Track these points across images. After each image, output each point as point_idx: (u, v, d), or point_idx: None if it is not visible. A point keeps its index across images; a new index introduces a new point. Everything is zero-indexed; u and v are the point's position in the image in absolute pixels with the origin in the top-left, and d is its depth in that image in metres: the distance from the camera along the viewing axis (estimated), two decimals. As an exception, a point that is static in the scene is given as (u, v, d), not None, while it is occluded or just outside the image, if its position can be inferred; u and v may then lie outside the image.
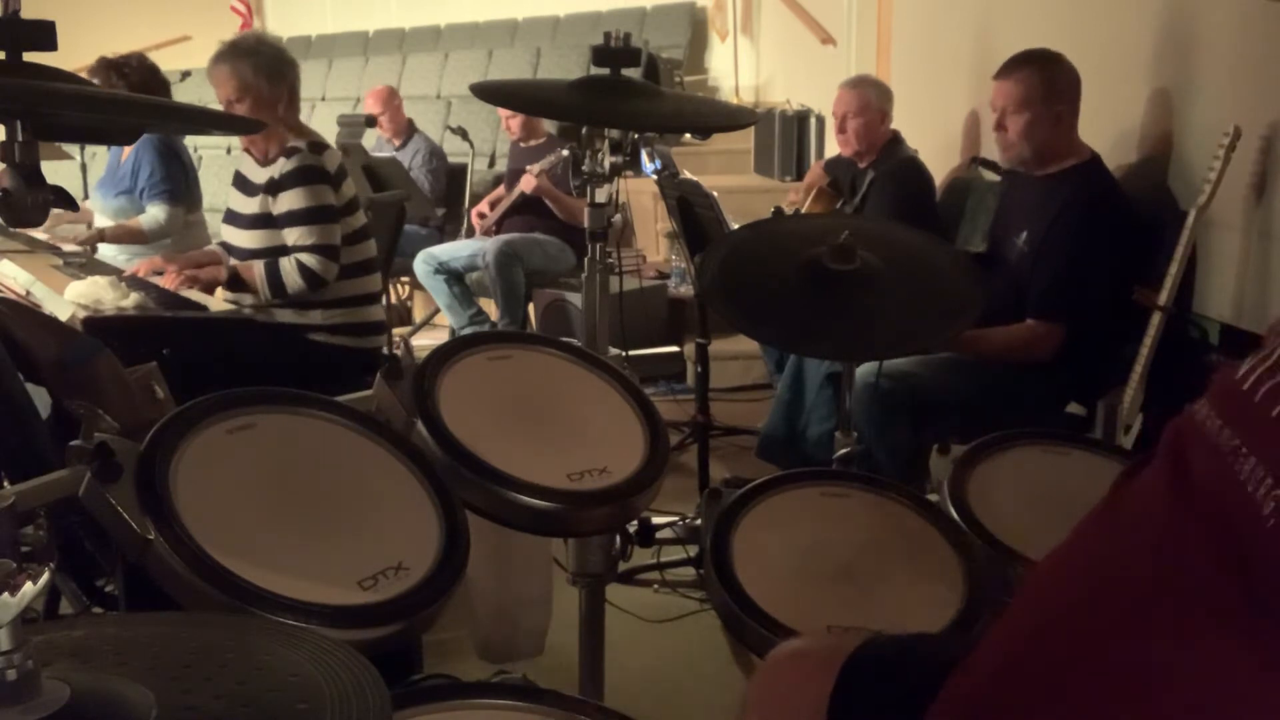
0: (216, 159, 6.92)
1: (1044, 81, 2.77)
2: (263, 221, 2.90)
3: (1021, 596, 0.87)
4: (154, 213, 3.80)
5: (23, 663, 0.66)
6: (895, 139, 3.82)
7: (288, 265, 2.85)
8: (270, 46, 2.98)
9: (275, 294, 2.86)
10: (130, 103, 1.81)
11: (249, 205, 2.95)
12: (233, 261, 3.04)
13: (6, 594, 0.65)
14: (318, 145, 2.92)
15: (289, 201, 2.85)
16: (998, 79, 2.85)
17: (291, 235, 2.86)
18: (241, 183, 3.02)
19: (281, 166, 2.86)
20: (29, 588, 0.65)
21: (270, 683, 0.75)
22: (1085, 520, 0.84)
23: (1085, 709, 0.73)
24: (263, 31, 3.22)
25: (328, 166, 2.90)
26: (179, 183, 3.86)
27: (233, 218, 3.03)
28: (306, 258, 2.84)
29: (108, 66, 3.71)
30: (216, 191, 5.21)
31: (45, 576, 0.66)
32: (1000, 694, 0.80)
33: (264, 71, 2.89)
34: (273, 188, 2.87)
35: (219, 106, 2.96)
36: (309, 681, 0.74)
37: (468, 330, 5.04)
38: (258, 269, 2.88)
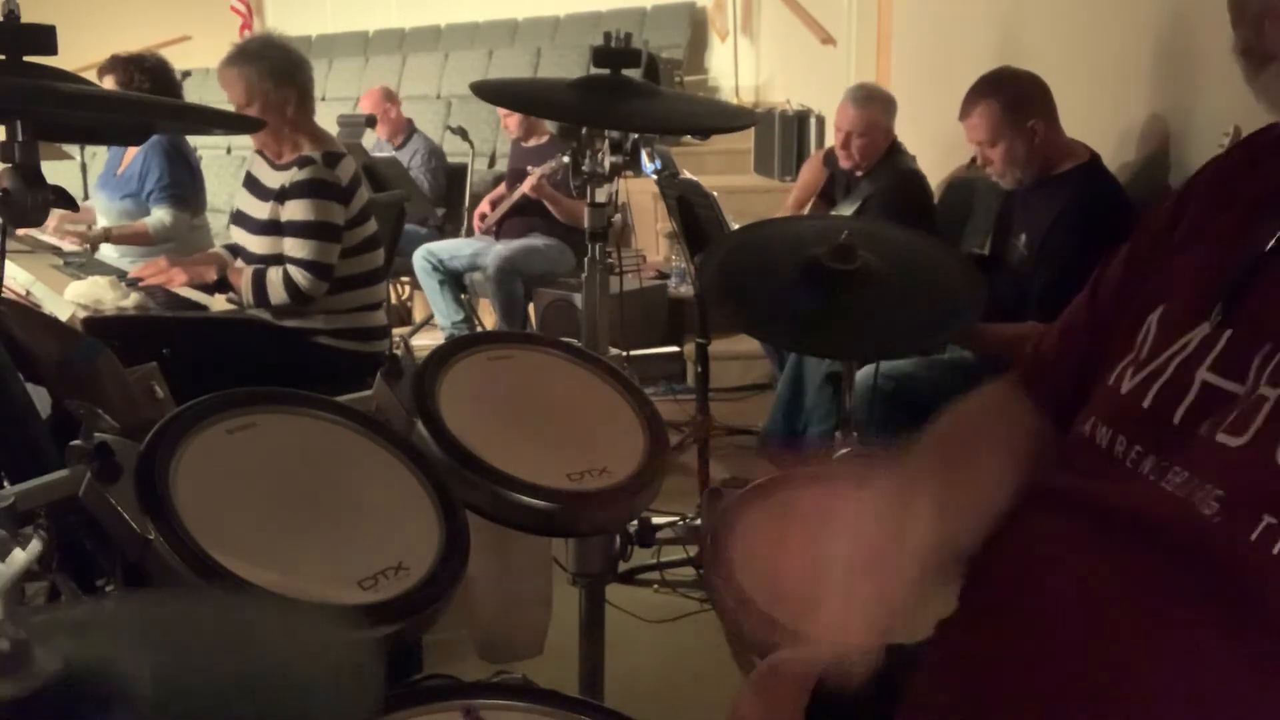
0: (217, 159, 6.92)
1: (1004, 107, 2.78)
2: (273, 228, 2.89)
3: (973, 605, 0.88)
4: (159, 215, 3.79)
5: (14, 632, 0.66)
6: (894, 147, 3.78)
7: (274, 276, 2.82)
8: (277, 49, 2.97)
9: (258, 302, 2.85)
10: (137, 103, 1.81)
11: (260, 210, 2.93)
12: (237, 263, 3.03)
13: None
14: (332, 156, 2.89)
15: (294, 211, 2.84)
16: (962, 119, 2.86)
17: (288, 245, 2.85)
18: (252, 184, 3.01)
19: (293, 175, 2.84)
20: (18, 554, 0.65)
21: (264, 656, 0.75)
22: (1018, 530, 0.86)
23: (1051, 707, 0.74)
24: (271, 32, 3.19)
25: (341, 180, 2.87)
26: (185, 186, 3.85)
27: (243, 220, 3.01)
28: (296, 272, 2.82)
29: (127, 63, 3.71)
30: (217, 192, 5.21)
31: (37, 545, 0.66)
32: (966, 694, 0.80)
33: (270, 74, 2.87)
34: (282, 196, 2.86)
35: (224, 107, 2.95)
36: (302, 655, 0.74)
37: (452, 330, 5.04)
38: (245, 274, 2.86)
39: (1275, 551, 0.66)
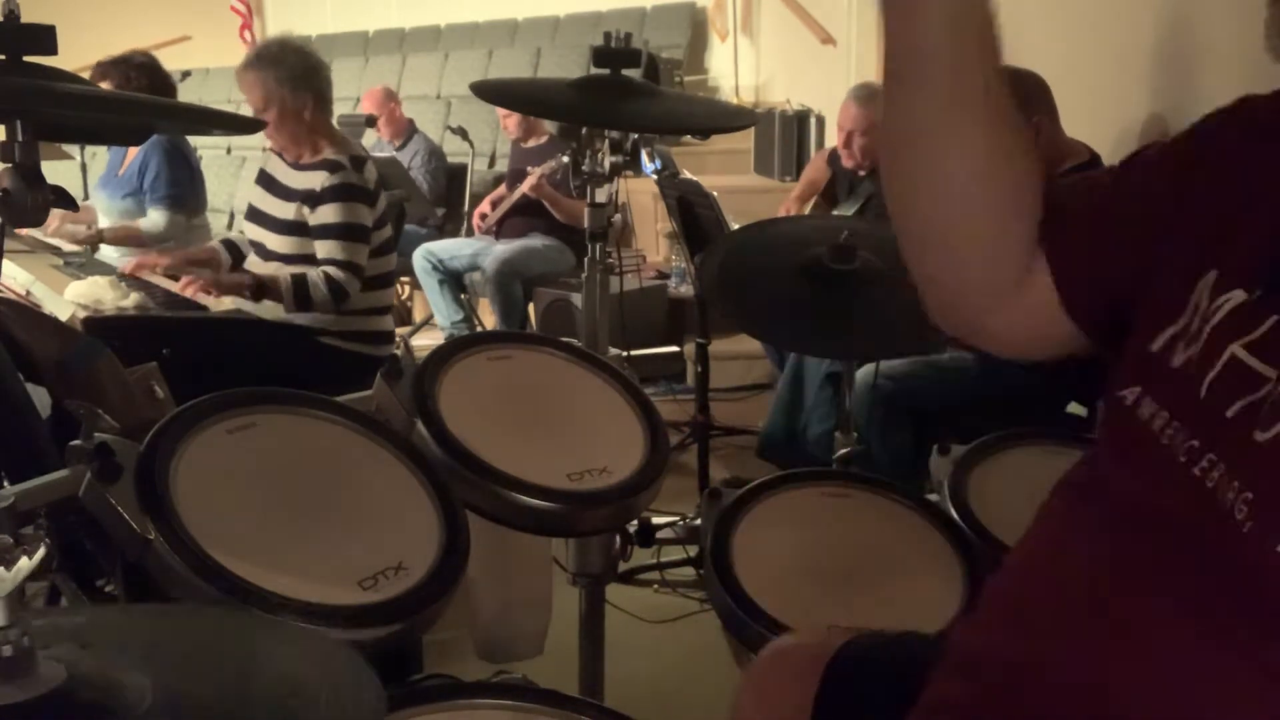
0: (217, 159, 6.92)
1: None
2: (299, 229, 2.90)
3: (990, 595, 0.88)
4: (154, 217, 3.80)
5: (18, 639, 0.66)
6: None
7: (315, 277, 2.84)
8: (294, 53, 2.99)
9: (300, 307, 2.86)
10: (137, 103, 1.81)
11: (283, 210, 2.94)
12: (254, 271, 3.01)
13: (1, 568, 0.64)
14: (358, 160, 2.92)
15: (326, 215, 2.86)
16: None
17: (322, 248, 2.86)
18: (269, 182, 3.01)
19: (324, 180, 2.86)
20: (24, 562, 0.65)
21: (265, 676, 0.75)
22: (1042, 520, 0.85)
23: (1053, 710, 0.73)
24: (289, 35, 3.20)
25: (369, 184, 2.91)
26: (183, 188, 3.85)
27: (260, 217, 3.02)
28: (335, 272, 2.84)
29: (120, 64, 3.71)
30: (217, 192, 5.22)
31: (41, 551, 0.66)
32: (976, 694, 0.80)
33: (287, 81, 2.90)
34: (312, 200, 2.87)
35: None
36: (304, 677, 0.74)
37: (452, 330, 5.05)
38: (284, 282, 2.87)
39: None
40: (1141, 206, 0.86)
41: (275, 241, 2.95)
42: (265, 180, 3.03)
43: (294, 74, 2.91)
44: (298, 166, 2.95)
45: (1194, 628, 0.69)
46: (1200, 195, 0.82)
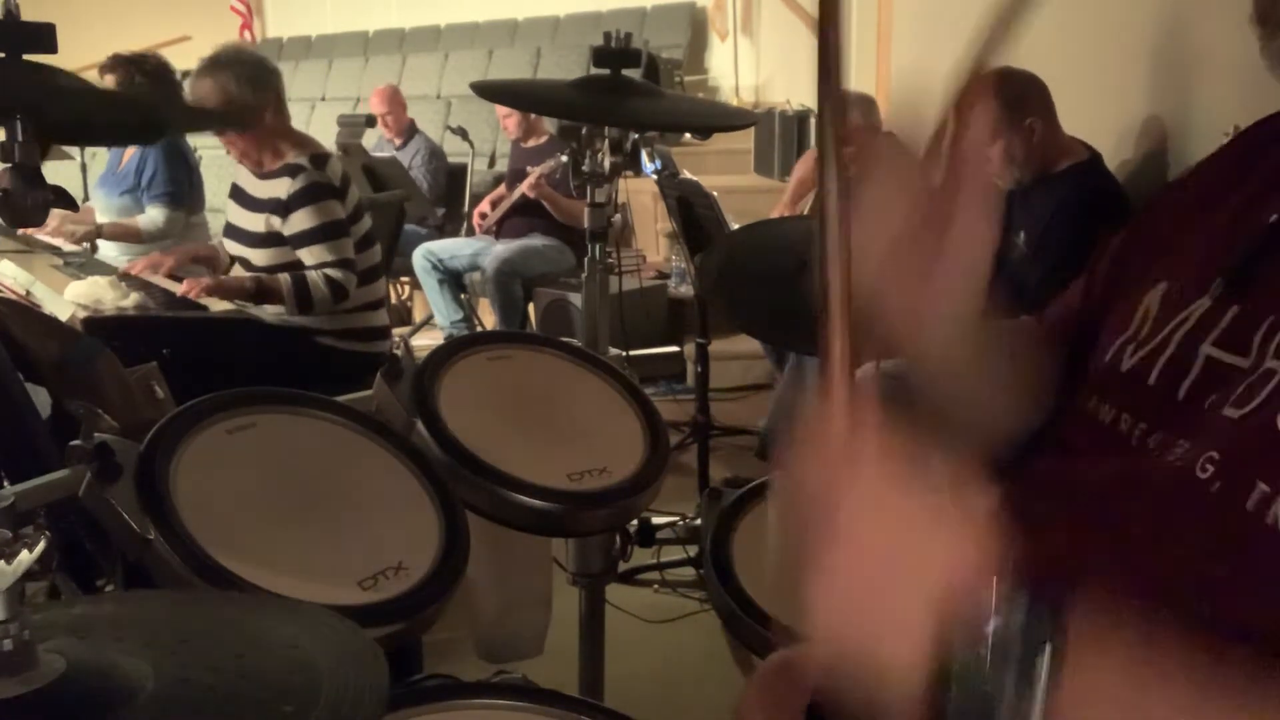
0: (217, 159, 6.89)
1: (1001, 106, 2.78)
2: (273, 240, 2.90)
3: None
4: (153, 215, 3.80)
5: (18, 633, 0.66)
6: None
7: (315, 278, 2.84)
8: (250, 56, 2.98)
9: (302, 308, 2.85)
10: (134, 103, 1.81)
11: (253, 222, 2.93)
12: (252, 274, 3.01)
13: (1, 561, 0.65)
14: (319, 158, 2.91)
15: (300, 222, 2.85)
16: None
17: (309, 255, 2.86)
18: (239, 195, 3.01)
19: (288, 186, 2.85)
20: (25, 556, 0.65)
21: (267, 655, 0.75)
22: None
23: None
24: (240, 42, 3.22)
25: (333, 180, 2.89)
26: (181, 185, 3.85)
27: (235, 233, 3.01)
28: (332, 272, 2.84)
29: (128, 63, 3.71)
30: (217, 191, 5.21)
31: (41, 545, 0.66)
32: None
33: (247, 82, 2.89)
34: (281, 209, 2.86)
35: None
36: (305, 654, 0.74)
37: (452, 330, 5.05)
38: (284, 283, 2.86)
39: (1269, 521, 0.65)
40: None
41: (254, 255, 2.95)
42: (236, 193, 3.03)
43: (251, 76, 2.90)
44: (262, 175, 2.94)
45: (1169, 603, 0.69)
46: (1141, 236, 0.91)
